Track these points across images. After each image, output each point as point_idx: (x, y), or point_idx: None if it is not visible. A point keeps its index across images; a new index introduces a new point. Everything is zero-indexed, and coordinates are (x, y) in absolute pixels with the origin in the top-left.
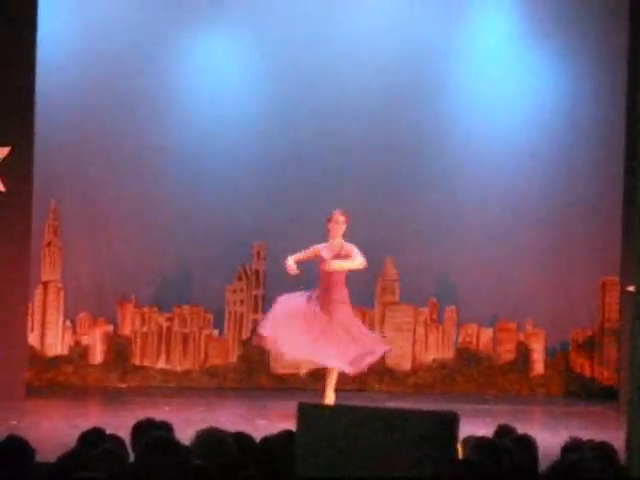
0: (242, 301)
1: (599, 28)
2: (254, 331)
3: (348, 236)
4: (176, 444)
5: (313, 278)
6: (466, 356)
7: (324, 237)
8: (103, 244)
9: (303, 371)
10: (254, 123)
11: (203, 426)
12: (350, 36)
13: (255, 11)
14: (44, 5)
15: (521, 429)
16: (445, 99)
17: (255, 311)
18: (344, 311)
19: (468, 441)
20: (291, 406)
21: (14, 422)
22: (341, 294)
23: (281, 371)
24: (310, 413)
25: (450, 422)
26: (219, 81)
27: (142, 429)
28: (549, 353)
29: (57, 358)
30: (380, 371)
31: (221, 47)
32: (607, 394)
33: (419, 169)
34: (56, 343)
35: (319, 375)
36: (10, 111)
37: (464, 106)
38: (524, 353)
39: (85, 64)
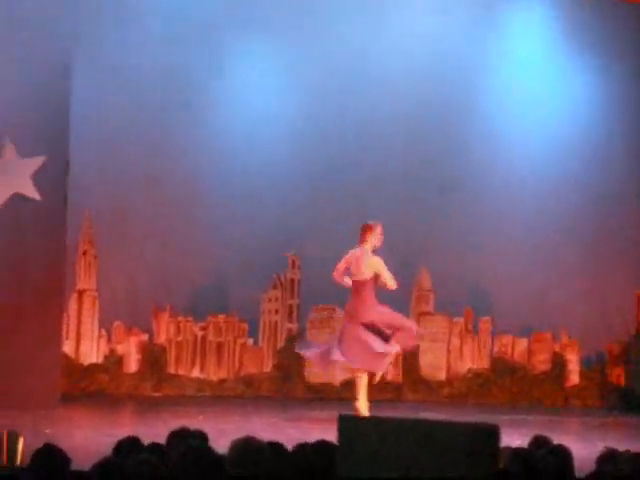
0: (277, 310)
1: (633, 41)
2: (290, 340)
3: (383, 246)
4: (211, 453)
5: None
6: (501, 366)
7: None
8: (138, 253)
9: (338, 380)
10: (288, 138)
11: (238, 435)
12: (382, 55)
13: (287, 35)
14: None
15: (556, 440)
16: (477, 111)
17: (290, 320)
18: (369, 314)
19: (504, 452)
20: (326, 416)
21: (48, 430)
22: (369, 298)
23: (316, 380)
24: (351, 424)
25: (492, 435)
26: (252, 100)
27: (177, 438)
28: (584, 364)
29: (92, 366)
30: (415, 381)
31: (253, 66)
32: None
33: (453, 181)
34: (91, 352)
35: (352, 385)
36: (45, 121)
37: (498, 118)
38: (559, 364)
39: (122, 78)
